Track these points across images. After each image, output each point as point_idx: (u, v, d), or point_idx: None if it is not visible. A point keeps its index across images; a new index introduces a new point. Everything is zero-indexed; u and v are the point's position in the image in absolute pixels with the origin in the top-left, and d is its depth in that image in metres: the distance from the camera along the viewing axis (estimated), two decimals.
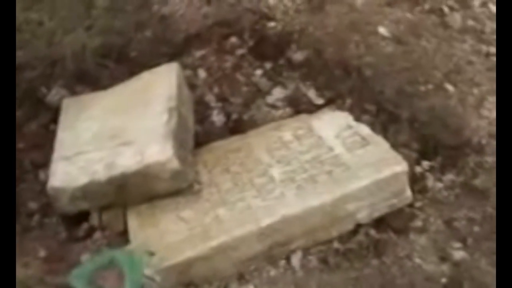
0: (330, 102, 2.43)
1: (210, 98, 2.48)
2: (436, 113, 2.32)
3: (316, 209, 1.93)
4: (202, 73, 2.50)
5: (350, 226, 2.00)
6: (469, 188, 2.15)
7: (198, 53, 2.49)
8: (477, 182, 2.15)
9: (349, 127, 2.26)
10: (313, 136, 2.25)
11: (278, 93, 2.49)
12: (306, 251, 1.96)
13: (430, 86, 2.39)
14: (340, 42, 2.42)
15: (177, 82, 2.29)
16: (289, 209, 1.92)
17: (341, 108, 2.39)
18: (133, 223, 2.02)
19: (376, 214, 2.03)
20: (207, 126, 2.42)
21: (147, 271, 1.74)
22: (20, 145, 2.30)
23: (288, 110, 2.45)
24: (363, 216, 2.01)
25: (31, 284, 1.76)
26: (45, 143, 2.29)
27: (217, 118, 2.45)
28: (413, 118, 2.33)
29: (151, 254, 1.78)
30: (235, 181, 2.10)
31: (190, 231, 1.91)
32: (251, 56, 2.47)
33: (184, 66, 2.46)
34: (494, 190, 2.08)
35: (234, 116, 2.44)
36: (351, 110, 2.37)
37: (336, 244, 1.99)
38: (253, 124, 2.41)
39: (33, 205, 2.17)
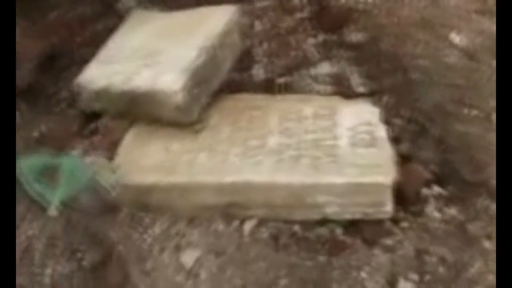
0: (369, 94, 2.32)
1: (257, 51, 2.49)
2: (467, 141, 2.12)
3: (282, 186, 1.91)
4: (258, 25, 2.50)
5: (316, 216, 1.96)
6: (462, 229, 1.98)
7: (260, 4, 2.49)
8: (472, 227, 1.96)
9: (368, 124, 2.15)
10: (330, 120, 2.18)
11: (323, 68, 2.43)
12: (262, 222, 1.97)
13: (474, 112, 2.17)
14: (401, 36, 2.27)
15: (224, 24, 2.33)
16: (256, 176, 1.93)
17: (377, 103, 2.28)
18: (128, 137, 2.17)
19: (347, 216, 1.95)
20: (244, 77, 2.46)
21: (106, 182, 1.87)
22: (78, 39, 2.53)
23: (327, 88, 2.39)
24: (332, 212, 1.95)
25: None
26: (100, 44, 2.49)
27: (257, 72, 2.47)
28: (442, 138, 2.16)
29: (112, 170, 1.90)
30: (233, 135, 2.14)
31: (164, 163, 2.01)
32: (308, 23, 2.42)
33: (244, 13, 2.48)
34: (483, 240, 1.90)
35: (273, 76, 2.44)
36: (385, 108, 2.25)
37: (295, 228, 1.97)
38: (288, 89, 2.40)
39: (65, 94, 2.39)
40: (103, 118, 2.27)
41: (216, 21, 2.38)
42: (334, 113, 2.21)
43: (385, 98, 2.28)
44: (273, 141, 2.09)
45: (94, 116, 2.28)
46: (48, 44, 2.47)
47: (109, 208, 1.93)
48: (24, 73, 2.23)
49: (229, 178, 1.92)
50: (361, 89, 2.35)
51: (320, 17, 2.40)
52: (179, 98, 2.09)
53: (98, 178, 1.87)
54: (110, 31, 2.58)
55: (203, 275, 1.81)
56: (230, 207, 1.96)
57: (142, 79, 2.16)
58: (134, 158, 2.04)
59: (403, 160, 2.16)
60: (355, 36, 2.36)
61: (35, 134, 2.15)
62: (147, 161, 2.02)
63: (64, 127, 2.23)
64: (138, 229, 1.92)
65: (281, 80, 2.43)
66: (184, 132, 2.15)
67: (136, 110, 2.20)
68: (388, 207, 1.95)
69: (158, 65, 2.21)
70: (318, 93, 2.37)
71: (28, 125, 2.15)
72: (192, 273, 1.81)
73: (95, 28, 2.59)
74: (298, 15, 2.44)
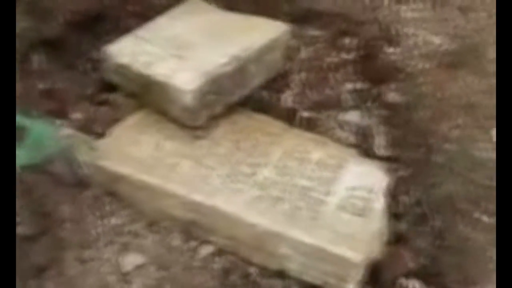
0: (387, 160, 2.15)
1: (293, 78, 2.38)
2: (466, 248, 1.92)
3: (248, 224, 1.80)
4: (303, 52, 2.39)
5: (274, 266, 1.84)
6: None
7: (313, 32, 2.36)
8: None
9: (370, 191, 1.99)
10: (333, 172, 2.04)
11: (352, 117, 2.28)
12: (220, 251, 1.86)
13: (484, 219, 1.96)
14: (438, 113, 2.09)
15: (269, 40, 2.24)
16: (226, 204, 1.82)
17: (390, 172, 2.11)
18: (128, 120, 2.13)
19: (307, 278, 1.82)
20: (271, 99, 2.35)
21: (81, 157, 1.84)
22: (129, 7, 2.51)
23: (348, 137, 2.24)
24: (293, 268, 1.82)
25: None
26: (147, 20, 2.46)
27: (285, 99, 2.35)
28: (442, 234, 1.97)
29: (91, 148, 1.86)
30: (228, 153, 2.04)
31: (147, 159, 1.95)
32: (352, 67, 2.27)
33: (294, 36, 2.37)
34: None
35: (300, 108, 2.32)
36: (397, 181, 2.08)
37: (251, 270, 1.85)
38: (310, 126, 2.27)
39: (96, 55, 2.37)
40: (117, 93, 2.24)
41: (262, 34, 2.29)
42: (341, 167, 2.07)
43: (401, 171, 2.11)
44: (264, 174, 1.98)
45: (111, 88, 2.26)
46: (99, 4, 2.46)
47: (76, 182, 1.89)
48: (55, 25, 2.23)
49: (198, 197, 1.84)
50: (381, 152, 2.18)
51: (365, 65, 2.25)
52: (189, 98, 2.02)
53: (74, 152, 1.84)
54: (163, 9, 2.55)
55: (135, 283, 1.74)
56: (193, 225, 1.87)
57: (163, 69, 2.10)
58: (122, 143, 2.00)
59: (395, 240, 2.00)
60: (393, 95, 2.19)
61: (43, 86, 2.14)
62: (132, 150, 1.97)
63: (75, 88, 2.22)
64: (95, 214, 1.87)
65: (305, 114, 2.30)
66: (184, 134, 2.08)
67: (148, 97, 2.15)
68: (351, 286, 1.79)
69: (185, 60, 2.15)
70: (338, 140, 2.23)
71: (40, 76, 2.14)
72: (126, 278, 1.74)
73: (150, 2, 2.56)
74: (345, 55, 2.30)
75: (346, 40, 2.29)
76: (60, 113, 2.08)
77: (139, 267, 1.77)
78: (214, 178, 1.92)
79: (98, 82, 2.29)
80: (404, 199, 2.07)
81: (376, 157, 2.17)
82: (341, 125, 2.28)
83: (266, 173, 1.99)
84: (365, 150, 2.20)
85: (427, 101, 2.10)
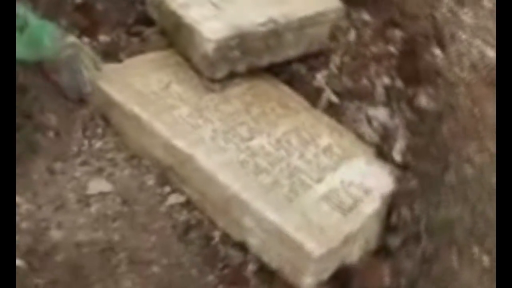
0: (400, 167, 1.96)
1: (334, 58, 2.22)
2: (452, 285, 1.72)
3: (219, 185, 1.71)
4: (351, 35, 2.22)
5: (236, 236, 1.73)
6: None
7: (367, 18, 2.20)
8: None
9: (366, 192, 1.83)
10: (334, 163, 1.90)
11: (380, 113, 2.09)
12: (188, 205, 1.79)
13: (477, 259, 1.73)
14: (467, 134, 1.87)
15: (317, 13, 2.16)
16: (205, 159, 1.74)
17: (399, 181, 1.92)
18: (149, 55, 2.10)
19: (265, 259, 1.70)
20: (303, 74, 2.22)
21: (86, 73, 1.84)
22: None
23: (370, 134, 2.07)
24: (253, 243, 1.71)
25: None
26: None
27: (318, 78, 2.21)
28: (431, 261, 1.78)
29: (96, 66, 1.85)
30: (234, 113, 1.96)
31: (149, 94, 1.90)
32: (395, 62, 2.09)
33: (347, 16, 2.22)
34: None
35: (330, 91, 2.17)
36: (402, 191, 1.89)
37: (214, 233, 1.77)
38: (334, 112, 2.13)
39: None
40: (152, 28, 2.21)
41: (311, 4, 2.17)
42: (346, 160, 1.92)
43: (411, 182, 1.91)
44: (260, 142, 1.87)
45: (149, 22, 2.23)
46: None
47: (77, 98, 1.89)
48: None
49: (180, 143, 1.77)
50: (397, 157, 2.00)
51: (407, 61, 2.05)
52: (210, 48, 1.95)
53: (80, 65, 1.83)
54: None
55: (93, 208, 1.71)
56: (170, 171, 1.81)
57: (196, 13, 2.04)
58: (130, 73, 1.96)
59: (380, 253, 1.84)
60: (426, 101, 1.98)
61: (82, 1, 2.15)
62: (136, 82, 1.93)
63: (115, 14, 2.21)
64: (83, 132, 1.87)
65: (333, 99, 2.15)
66: (199, 83, 2.02)
67: (177, 38, 2.10)
68: (308, 280, 1.65)
69: (221, 9, 2.08)
70: (358, 134, 2.07)
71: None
72: (86, 201, 1.72)
73: None
74: (390, 47, 2.11)
75: (396, 32, 2.10)
76: (88, 31, 2.08)
77: (103, 195, 1.75)
78: (207, 131, 1.84)
79: (139, 13, 2.27)
80: (404, 212, 1.88)
81: (391, 161, 1.99)
82: (367, 119, 2.11)
83: (263, 141, 1.88)
84: (382, 151, 2.02)
85: (460, 115, 1.88)
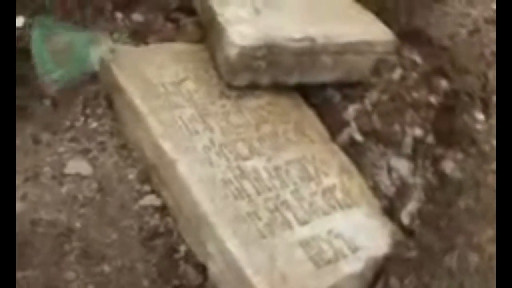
0: (405, 232, 1.76)
1: (370, 95, 2.03)
2: None
3: (192, 199, 1.59)
4: (396, 73, 2.02)
5: (200, 257, 1.61)
6: None
7: (415, 56, 1.99)
8: None
9: (354, 250, 1.65)
10: (330, 207, 1.73)
11: (401, 167, 1.89)
12: (163, 211, 1.69)
13: None
14: (493, 218, 1.63)
15: (360, 42, 1.98)
16: (185, 169, 1.62)
17: (400, 248, 1.72)
18: (176, 45, 2.01)
19: None
20: (333, 103, 2.05)
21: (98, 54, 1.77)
22: None
23: (385, 186, 1.88)
24: (212, 270, 1.57)
25: None
26: None
27: (348, 110, 2.03)
28: None
29: (111, 50, 1.78)
30: (240, 127, 1.82)
31: (155, 85, 1.80)
32: (431, 113, 1.88)
33: (396, 51, 2.02)
34: None
35: (356, 127, 1.99)
36: (397, 261, 1.70)
37: (180, 247, 1.66)
38: (354, 151, 1.95)
39: None
40: (192, 18, 2.12)
41: (360, 31, 2.00)
42: (345, 207, 1.75)
43: (410, 252, 1.71)
44: (255, 165, 1.73)
45: (191, 12, 2.14)
46: None
47: (86, 73, 1.84)
48: None
49: (167, 145, 1.66)
50: (405, 220, 1.79)
51: (444, 118, 1.82)
52: (232, 53, 1.83)
53: (93, 49, 1.77)
54: None
55: (65, 188, 1.65)
56: (153, 170, 1.71)
57: (233, 13, 1.93)
58: (146, 59, 1.87)
59: None
60: (452, 167, 1.74)
61: None
62: (148, 70, 1.83)
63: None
64: (83, 109, 1.81)
65: (358, 137, 1.97)
66: (217, 86, 1.91)
67: (209, 34, 1.99)
68: None
69: (260, 15, 1.95)
70: (373, 181, 1.89)
71: None
72: (60, 179, 1.66)
73: None
74: (432, 98, 1.88)
75: (442, 83, 1.87)
76: (123, 7, 2.02)
77: (80, 177, 1.68)
78: (203, 139, 1.72)
79: (184, 1, 2.18)
80: (393, 282, 1.68)
81: (397, 222, 1.79)
82: (388, 168, 1.91)
83: (259, 165, 1.74)
84: (392, 208, 1.83)
85: (483, 195, 1.64)
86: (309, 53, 1.91)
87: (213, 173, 1.65)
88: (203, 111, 1.81)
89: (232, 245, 1.51)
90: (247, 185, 1.66)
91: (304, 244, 1.59)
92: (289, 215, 1.64)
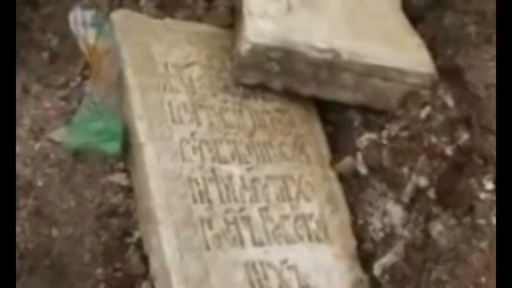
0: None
1: (390, 127, 1.84)
2: None
3: (147, 190, 1.51)
4: (423, 113, 1.81)
5: (146, 250, 1.55)
6: None
7: (447, 99, 1.77)
8: None
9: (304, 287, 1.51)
10: (297, 237, 1.61)
11: (395, 219, 1.71)
12: (128, 189, 1.62)
13: None
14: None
15: (390, 68, 1.79)
16: (151, 155, 1.53)
17: None
18: (199, 27, 1.91)
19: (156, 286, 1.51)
20: (346, 129, 1.89)
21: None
22: None
23: (374, 233, 1.71)
24: (152, 266, 1.51)
25: None
26: None
27: (361, 139, 1.86)
28: None
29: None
30: (231, 127, 1.70)
31: (157, 66, 1.70)
32: (440, 169, 1.66)
33: (430, 94, 1.81)
34: None
35: (362, 162, 1.82)
36: None
37: (135, 232, 1.58)
38: (351, 186, 1.79)
39: None
40: (221, 4, 2.01)
41: (397, 59, 1.80)
42: (314, 241, 1.63)
43: None
44: (231, 171, 1.62)
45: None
46: None
47: None
48: None
49: (141, 127, 1.57)
50: (376, 271, 1.63)
51: (450, 175, 1.60)
52: (244, 48, 1.71)
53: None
54: None
55: (38, 145, 1.63)
56: (129, 149, 1.65)
57: (260, 5, 1.78)
58: (162, 35, 1.78)
59: None
60: (439, 231, 1.54)
61: None
62: (159, 46, 1.72)
63: None
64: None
65: (362, 170, 1.81)
66: (224, 79, 1.80)
67: (235, 21, 1.88)
68: None
69: (289, 14, 1.80)
70: (364, 220, 1.73)
71: None
72: (37, 134, 1.63)
73: None
74: (449, 150, 1.66)
75: (464, 136, 1.64)
76: None
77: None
78: (184, 131, 1.63)
79: None
80: None
81: (368, 270, 1.63)
82: (383, 211, 1.74)
83: (236, 172, 1.63)
84: (370, 254, 1.67)
85: (460, 273, 1.43)
86: (329, 67, 1.76)
87: (181, 168, 1.56)
88: (198, 102, 1.71)
89: (168, 247, 1.43)
90: (213, 190, 1.57)
91: (249, 266, 1.48)
92: (246, 233, 1.54)
